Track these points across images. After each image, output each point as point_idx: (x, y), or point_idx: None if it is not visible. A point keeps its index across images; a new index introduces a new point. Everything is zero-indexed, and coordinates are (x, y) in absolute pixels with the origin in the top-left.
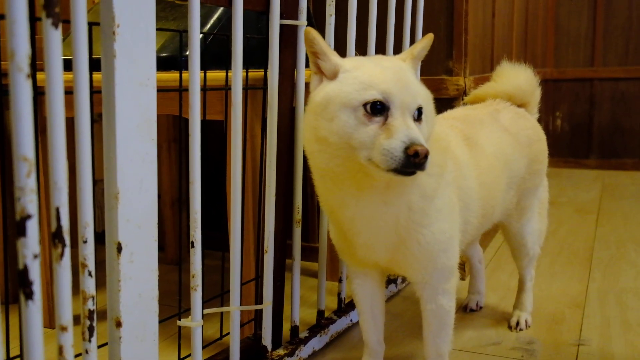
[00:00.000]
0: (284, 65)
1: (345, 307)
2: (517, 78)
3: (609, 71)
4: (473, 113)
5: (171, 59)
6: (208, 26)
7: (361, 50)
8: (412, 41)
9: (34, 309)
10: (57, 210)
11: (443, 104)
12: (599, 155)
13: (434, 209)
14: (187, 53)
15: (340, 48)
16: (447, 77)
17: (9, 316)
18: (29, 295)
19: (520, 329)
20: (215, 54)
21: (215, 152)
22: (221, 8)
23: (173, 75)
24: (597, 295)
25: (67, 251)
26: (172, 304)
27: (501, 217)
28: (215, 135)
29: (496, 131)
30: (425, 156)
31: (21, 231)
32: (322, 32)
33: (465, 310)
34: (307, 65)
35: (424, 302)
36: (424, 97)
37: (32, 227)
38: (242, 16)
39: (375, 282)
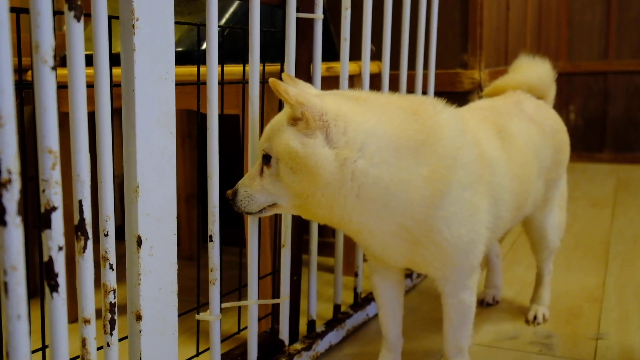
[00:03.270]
0: (300, 58)
1: (362, 301)
2: (538, 69)
3: (623, 64)
4: (498, 104)
5: (187, 54)
6: (224, 20)
7: (376, 42)
8: (427, 35)
9: (59, 301)
10: (80, 202)
11: (458, 97)
12: (613, 149)
13: (440, 219)
14: (203, 48)
15: (356, 42)
16: (462, 71)
17: (30, 309)
18: (54, 288)
19: (538, 323)
20: (230, 48)
21: (228, 147)
22: (236, 3)
23: (189, 70)
24: (615, 289)
25: (90, 244)
26: (188, 298)
27: (531, 208)
28: (228, 130)
29: (524, 121)
30: (230, 198)
31: (46, 223)
32: (337, 25)
33: (481, 304)
34: (324, 59)
35: (445, 297)
36: (272, 145)
37: (57, 219)
38: (260, 9)
39: (396, 276)
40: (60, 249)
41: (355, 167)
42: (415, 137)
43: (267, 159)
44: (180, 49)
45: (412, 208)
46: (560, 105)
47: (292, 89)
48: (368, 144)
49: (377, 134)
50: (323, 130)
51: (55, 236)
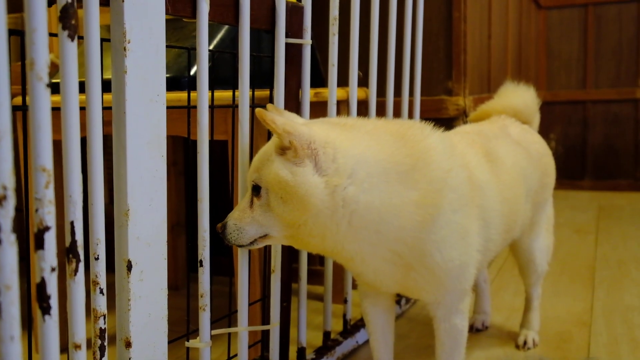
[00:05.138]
0: (289, 83)
1: (351, 328)
2: (524, 95)
3: (601, 93)
4: (485, 128)
5: (174, 80)
6: (211, 47)
7: (362, 69)
8: (412, 62)
9: (51, 325)
10: (72, 224)
11: (443, 124)
12: (593, 176)
13: (431, 243)
14: (191, 74)
15: (343, 68)
16: (447, 97)
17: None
18: (46, 310)
19: (528, 348)
20: (216, 74)
21: (215, 174)
22: (223, 30)
23: (176, 96)
24: (603, 313)
25: (82, 267)
26: (173, 329)
27: (520, 232)
28: (214, 157)
29: (510, 145)
30: (220, 231)
31: (39, 243)
32: (323, 51)
33: (471, 330)
34: (312, 84)
35: (437, 322)
36: (262, 176)
37: (50, 239)
38: (249, 34)
39: (386, 301)
40: (53, 270)
41: (345, 194)
42: (404, 161)
43: (256, 189)
44: (168, 75)
45: (404, 233)
46: (541, 134)
47: (279, 118)
48: (358, 170)
49: (366, 160)
50: (312, 158)
51: (48, 257)
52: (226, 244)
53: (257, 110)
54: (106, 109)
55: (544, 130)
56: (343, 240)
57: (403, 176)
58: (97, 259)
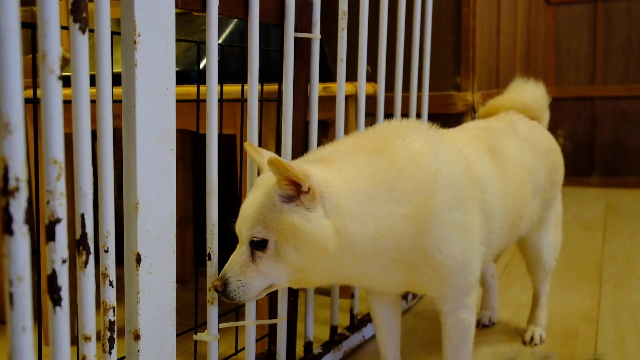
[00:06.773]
0: (297, 78)
1: (358, 323)
2: (534, 91)
3: (610, 90)
4: (492, 124)
5: (183, 74)
6: (220, 41)
7: (370, 65)
8: (421, 58)
9: (62, 316)
10: (82, 216)
11: (452, 119)
12: (601, 173)
13: (430, 244)
14: (200, 67)
15: (351, 63)
16: (455, 93)
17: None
18: (57, 302)
19: (535, 344)
20: (226, 68)
21: (222, 169)
22: (232, 23)
23: (185, 89)
24: (610, 310)
25: (92, 259)
26: (181, 322)
27: (527, 228)
28: (222, 151)
29: (517, 140)
30: (219, 289)
31: (50, 235)
32: (332, 47)
33: (477, 325)
34: (321, 79)
35: (444, 316)
36: (271, 229)
37: (61, 231)
38: (259, 28)
39: (393, 297)
40: (64, 261)
41: (346, 232)
42: (386, 176)
43: (262, 244)
44: (177, 69)
45: (402, 245)
46: (549, 130)
47: (296, 164)
48: (351, 205)
49: (354, 193)
50: (321, 201)
51: (60, 249)
52: (228, 301)
53: (270, 159)
54: (116, 102)
55: (552, 127)
56: (349, 269)
57: (390, 192)
58: (106, 251)
